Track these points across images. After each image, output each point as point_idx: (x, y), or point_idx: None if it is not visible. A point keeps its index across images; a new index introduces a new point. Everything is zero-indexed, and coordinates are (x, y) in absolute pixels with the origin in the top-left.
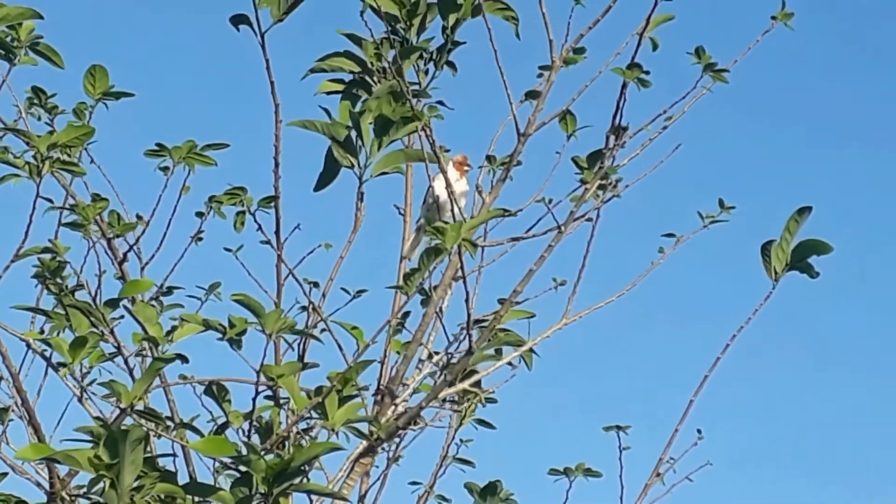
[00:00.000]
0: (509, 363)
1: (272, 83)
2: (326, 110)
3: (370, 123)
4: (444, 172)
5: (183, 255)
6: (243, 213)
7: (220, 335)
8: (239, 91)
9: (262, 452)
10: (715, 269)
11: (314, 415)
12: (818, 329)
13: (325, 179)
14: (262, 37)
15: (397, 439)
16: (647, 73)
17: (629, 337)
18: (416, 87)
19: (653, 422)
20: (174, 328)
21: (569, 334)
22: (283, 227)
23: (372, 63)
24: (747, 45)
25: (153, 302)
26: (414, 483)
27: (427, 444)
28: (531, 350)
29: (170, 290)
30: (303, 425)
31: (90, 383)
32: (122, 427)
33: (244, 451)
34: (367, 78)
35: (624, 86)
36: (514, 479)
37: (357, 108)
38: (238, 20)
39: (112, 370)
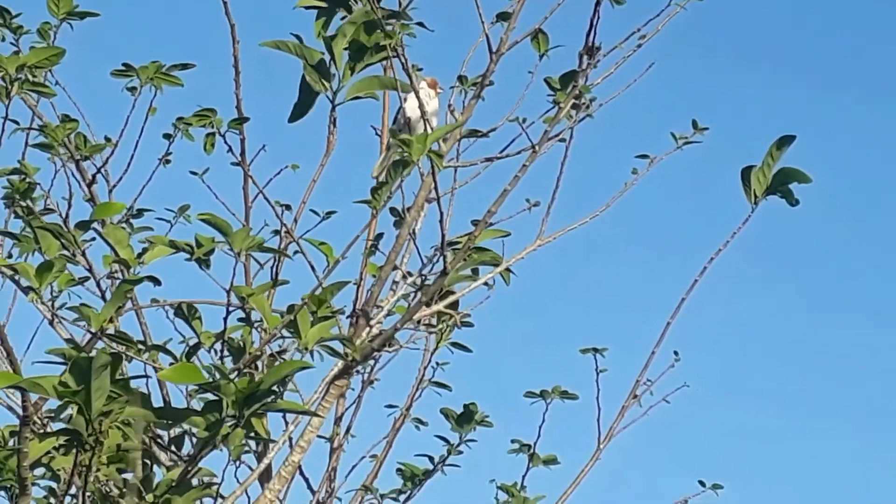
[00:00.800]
0: (486, 283)
1: (225, 3)
2: (297, 35)
3: (344, 48)
4: (416, 92)
5: (151, 177)
6: (213, 134)
7: (188, 255)
8: (207, 11)
9: (235, 373)
10: (694, 193)
11: (287, 334)
12: (798, 257)
13: (299, 110)
14: None
15: (372, 362)
16: None
17: (606, 259)
18: (392, 10)
19: (630, 344)
20: (145, 250)
21: (544, 256)
22: (251, 150)
23: None
24: None
25: (123, 224)
26: (390, 406)
27: (403, 368)
28: (508, 269)
29: (139, 213)
30: (276, 347)
31: (61, 307)
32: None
33: (214, 376)
34: None
35: (597, 3)
36: (490, 402)
37: (332, 31)
38: None
39: (83, 294)
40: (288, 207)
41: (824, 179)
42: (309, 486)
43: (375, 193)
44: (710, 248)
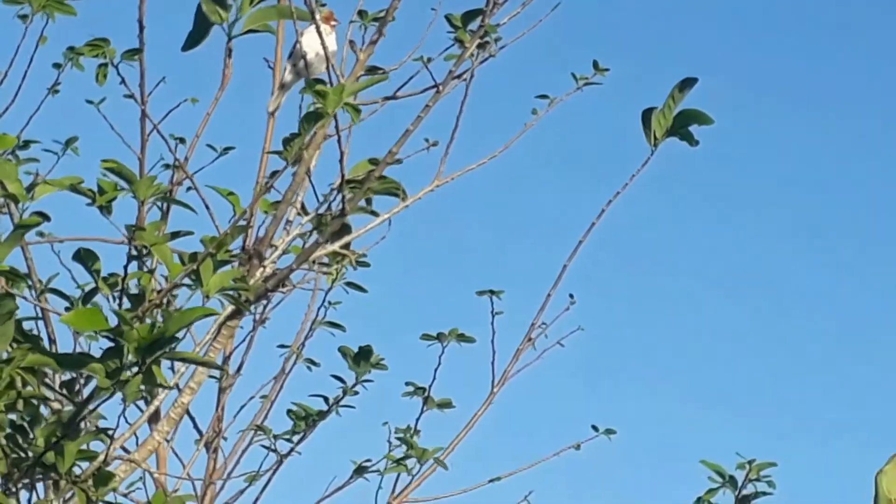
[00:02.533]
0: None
1: None
2: None
3: None
4: (318, 28)
5: (39, 107)
6: (106, 65)
7: (88, 201)
8: None
9: (132, 319)
10: (595, 135)
11: (187, 281)
12: (700, 197)
13: (193, 38)
14: None
15: (265, 301)
16: None
17: (507, 201)
18: None
19: (526, 286)
20: (34, 184)
21: (442, 196)
22: (149, 82)
23: None
24: None
25: (9, 156)
26: (282, 346)
27: (296, 308)
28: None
29: (26, 144)
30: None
31: None
32: None
33: (113, 321)
34: None
35: None
36: (385, 344)
37: None
38: None
39: None
40: (182, 141)
41: (725, 120)
42: (196, 427)
43: (288, 145)
44: (612, 187)
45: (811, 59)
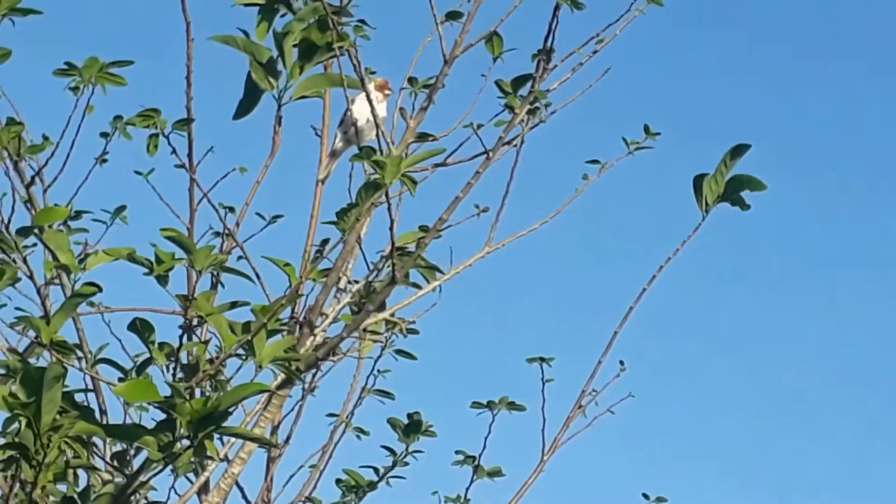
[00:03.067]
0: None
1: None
2: (244, 31)
3: (294, 45)
4: (368, 95)
5: (87, 177)
6: (157, 135)
7: (146, 270)
8: (150, 8)
9: (185, 390)
10: (646, 199)
11: (240, 351)
12: (749, 264)
13: (244, 107)
14: None
15: (314, 370)
16: None
17: (554, 265)
18: (336, 5)
19: (576, 354)
20: (86, 255)
21: (492, 262)
22: (196, 151)
23: None
24: None
25: (60, 227)
26: (331, 415)
27: (345, 375)
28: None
29: (77, 214)
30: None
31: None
32: (33, 358)
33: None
34: None
35: (556, 7)
36: (434, 411)
37: (278, 28)
38: None
39: (12, 295)
40: (231, 210)
41: (780, 185)
42: (245, 497)
43: (344, 216)
44: (661, 254)
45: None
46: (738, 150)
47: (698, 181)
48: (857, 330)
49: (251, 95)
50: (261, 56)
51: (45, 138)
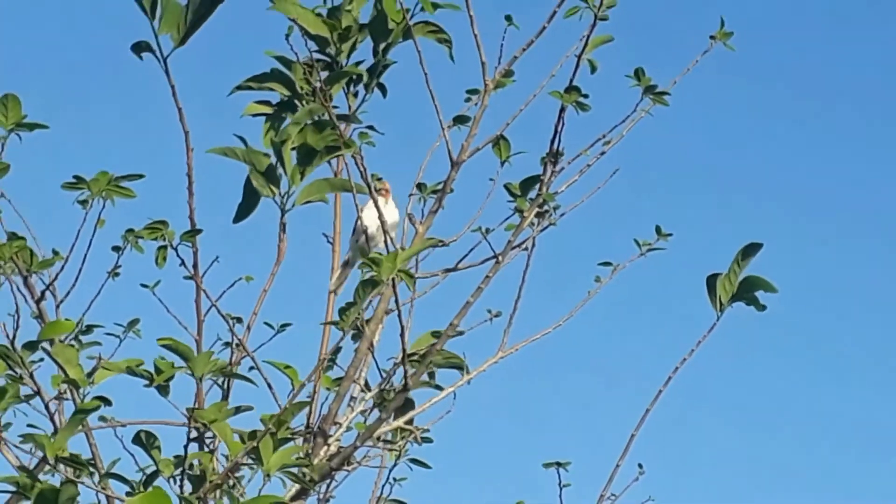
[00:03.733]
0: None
1: (180, 109)
2: (242, 138)
3: (292, 149)
4: (375, 202)
5: (100, 291)
6: (165, 247)
7: (146, 382)
8: (149, 120)
9: (196, 502)
10: (658, 300)
11: (248, 459)
12: (763, 364)
13: (244, 210)
14: (166, 62)
15: (329, 480)
16: (586, 96)
17: (569, 367)
18: (341, 111)
19: (593, 457)
20: (95, 369)
21: (504, 367)
22: (201, 260)
23: (301, 87)
24: (686, 66)
25: (72, 341)
26: None
27: (359, 484)
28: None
29: (88, 329)
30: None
31: (7, 427)
32: (48, 475)
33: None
34: (297, 101)
35: (562, 109)
36: None
37: (278, 135)
38: (140, 48)
39: (27, 411)
40: (239, 320)
41: (791, 284)
42: None
43: (344, 314)
44: (678, 352)
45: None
46: (751, 250)
47: (711, 281)
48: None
49: (250, 199)
50: (261, 165)
51: (56, 253)
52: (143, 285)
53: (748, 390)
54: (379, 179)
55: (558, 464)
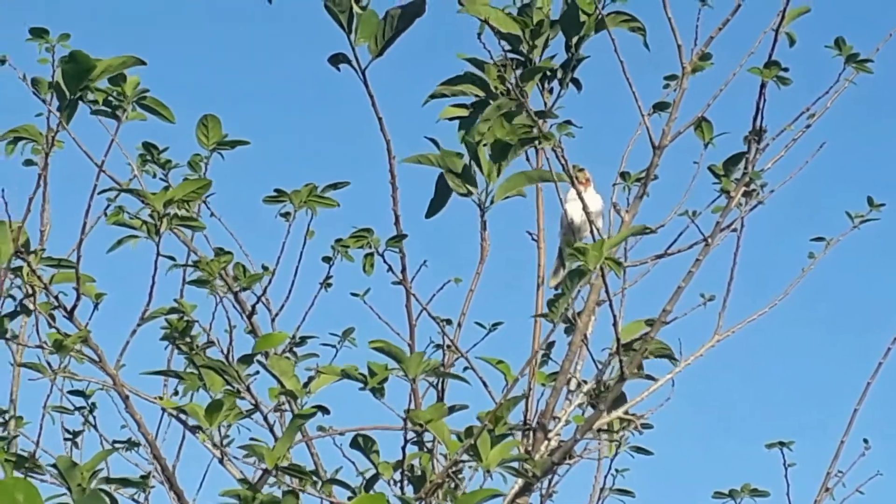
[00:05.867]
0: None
1: (380, 119)
2: (434, 141)
3: (483, 145)
4: (579, 194)
5: (313, 302)
6: (371, 254)
7: (361, 385)
8: (350, 130)
9: (417, 502)
10: (872, 271)
11: (466, 457)
12: None
13: (436, 205)
14: (364, 74)
15: (551, 475)
16: (786, 70)
17: (784, 348)
18: (538, 107)
19: (816, 435)
20: (311, 379)
21: (719, 349)
22: (409, 265)
23: (495, 87)
24: (889, 32)
25: (287, 354)
26: None
27: (580, 477)
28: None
29: (303, 340)
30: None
31: (229, 443)
32: (266, 487)
33: None
34: (491, 101)
35: (763, 86)
36: None
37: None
38: (337, 60)
39: (250, 426)
40: (449, 322)
41: None
42: None
43: (553, 306)
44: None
45: None
46: None
47: None
48: None
49: (442, 194)
50: (456, 167)
51: (265, 268)
52: (354, 294)
53: None
54: (580, 170)
55: (781, 443)
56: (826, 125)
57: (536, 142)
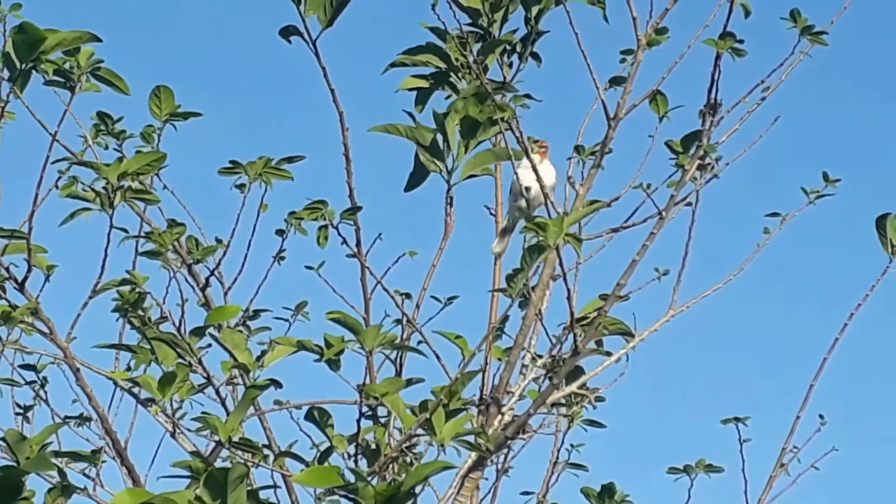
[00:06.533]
0: (622, 358)
1: (332, 90)
2: (410, 113)
3: (456, 125)
4: (533, 165)
5: (266, 275)
6: (326, 227)
7: (316, 356)
8: (305, 102)
9: (370, 475)
10: (828, 247)
11: (421, 431)
12: None
13: (415, 180)
14: (315, 45)
15: (506, 449)
16: (741, 41)
17: (739, 323)
18: (498, 81)
19: (772, 411)
20: (264, 353)
21: (674, 324)
22: (364, 238)
23: (456, 59)
24: (843, 5)
25: (240, 327)
26: (526, 493)
27: (536, 452)
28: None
29: (256, 314)
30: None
31: (182, 417)
32: (220, 461)
33: (349, 478)
34: (452, 74)
35: (717, 57)
36: (628, 479)
37: (441, 109)
38: (287, 32)
39: (203, 401)
40: (408, 296)
41: None
42: None
43: (511, 281)
44: (852, 299)
45: None
46: None
47: (881, 222)
48: None
49: (421, 169)
50: (424, 140)
51: (219, 241)
52: (308, 267)
53: None
54: (536, 141)
55: (737, 419)
56: (781, 98)
57: (500, 120)
